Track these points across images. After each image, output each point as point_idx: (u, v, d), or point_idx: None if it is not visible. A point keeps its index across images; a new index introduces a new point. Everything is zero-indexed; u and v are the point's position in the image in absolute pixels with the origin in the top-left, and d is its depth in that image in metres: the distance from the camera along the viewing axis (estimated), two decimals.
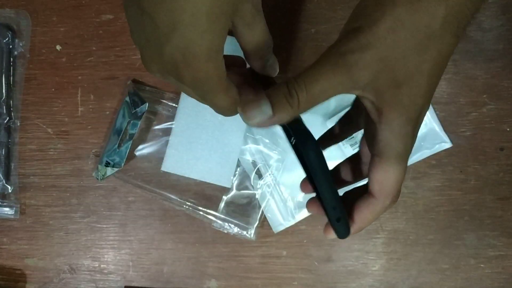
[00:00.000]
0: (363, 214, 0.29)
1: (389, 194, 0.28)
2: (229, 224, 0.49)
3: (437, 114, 0.48)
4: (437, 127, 0.48)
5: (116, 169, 0.48)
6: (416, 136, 0.27)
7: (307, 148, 0.27)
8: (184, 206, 0.49)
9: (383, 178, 0.27)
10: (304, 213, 0.49)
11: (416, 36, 0.24)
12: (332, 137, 0.36)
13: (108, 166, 0.48)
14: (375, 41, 0.24)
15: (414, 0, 0.24)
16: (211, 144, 0.47)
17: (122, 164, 0.48)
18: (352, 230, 0.30)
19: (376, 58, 0.24)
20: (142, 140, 0.49)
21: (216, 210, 0.49)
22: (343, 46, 0.25)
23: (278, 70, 0.31)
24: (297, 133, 0.27)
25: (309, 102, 0.26)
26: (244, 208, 0.49)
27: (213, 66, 0.24)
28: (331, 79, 0.25)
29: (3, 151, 0.49)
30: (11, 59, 0.49)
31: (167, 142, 0.48)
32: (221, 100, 0.27)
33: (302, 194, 0.48)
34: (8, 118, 0.49)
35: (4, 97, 0.48)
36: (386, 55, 0.24)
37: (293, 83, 0.25)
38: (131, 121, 0.48)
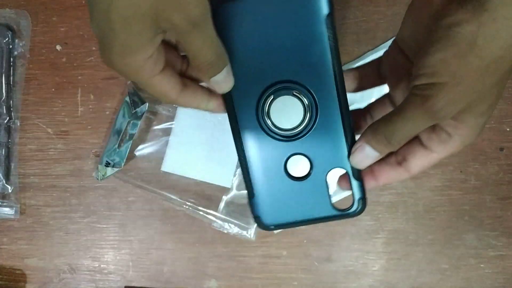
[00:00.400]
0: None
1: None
2: (229, 224, 0.49)
3: None
4: None
5: (116, 169, 0.48)
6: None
7: None
8: (184, 206, 0.49)
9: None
10: None
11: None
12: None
13: (108, 166, 0.48)
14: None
15: None
16: (211, 144, 0.47)
17: (122, 164, 0.48)
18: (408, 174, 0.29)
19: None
20: (142, 140, 0.49)
21: (216, 210, 0.49)
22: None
23: (228, 89, 0.29)
24: None
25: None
26: (244, 208, 0.49)
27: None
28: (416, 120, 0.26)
29: (3, 151, 0.49)
30: (11, 59, 0.49)
31: (167, 142, 0.48)
32: (210, 34, 0.26)
33: None
34: (8, 118, 0.49)
35: (4, 97, 0.48)
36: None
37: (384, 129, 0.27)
38: (131, 121, 0.48)
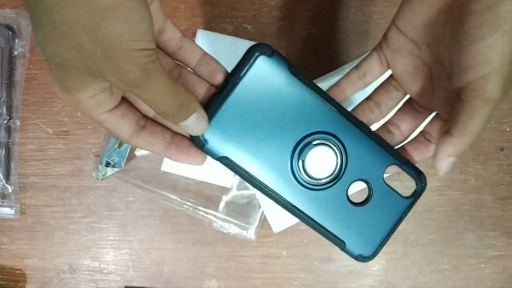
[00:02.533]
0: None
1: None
2: (229, 224, 0.49)
3: None
4: None
5: (116, 169, 0.48)
6: None
7: None
8: (184, 206, 0.49)
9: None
10: None
11: None
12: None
13: (108, 166, 0.48)
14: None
15: None
16: None
17: (122, 164, 0.48)
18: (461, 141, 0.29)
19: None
20: None
21: (216, 210, 0.49)
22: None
23: (200, 132, 0.28)
24: None
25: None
26: (244, 208, 0.49)
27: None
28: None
29: (3, 151, 0.49)
30: (11, 59, 0.49)
31: None
32: (159, 88, 0.24)
33: None
34: (8, 118, 0.49)
35: (4, 97, 0.48)
36: None
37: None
38: None
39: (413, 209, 0.49)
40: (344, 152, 0.31)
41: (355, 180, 0.31)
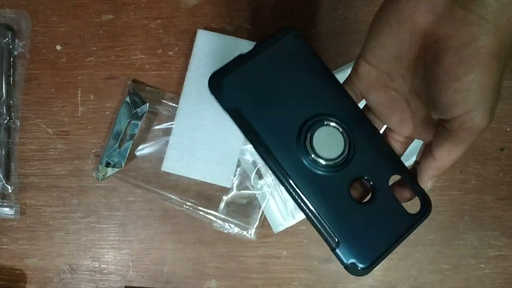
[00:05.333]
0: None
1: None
2: (229, 224, 0.49)
3: None
4: None
5: (116, 169, 0.48)
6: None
7: None
8: (184, 206, 0.49)
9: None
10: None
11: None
12: None
13: (108, 166, 0.48)
14: None
15: None
16: (211, 144, 0.47)
17: (123, 164, 0.48)
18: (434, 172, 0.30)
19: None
20: (142, 140, 0.49)
21: (216, 210, 0.49)
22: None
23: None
24: None
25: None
26: (244, 208, 0.49)
27: None
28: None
29: (3, 151, 0.49)
30: (11, 59, 0.49)
31: (167, 142, 0.48)
32: None
33: None
34: (8, 118, 0.49)
35: (4, 97, 0.48)
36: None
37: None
38: (132, 121, 0.48)
39: (413, 209, 0.49)
40: (353, 143, 0.30)
41: (360, 177, 0.30)
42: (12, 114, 0.49)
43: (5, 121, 0.49)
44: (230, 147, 0.47)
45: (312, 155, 0.29)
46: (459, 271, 0.49)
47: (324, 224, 0.29)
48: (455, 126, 0.27)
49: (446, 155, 0.28)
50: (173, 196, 0.49)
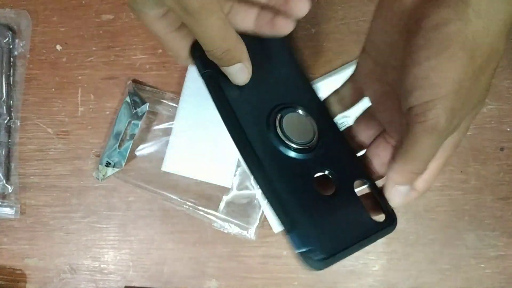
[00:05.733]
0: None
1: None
2: (229, 224, 0.49)
3: None
4: None
5: (116, 169, 0.48)
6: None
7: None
8: (185, 206, 0.49)
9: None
10: None
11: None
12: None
13: (108, 166, 0.48)
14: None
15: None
16: (211, 144, 0.47)
17: (123, 164, 0.48)
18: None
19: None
20: (142, 140, 0.49)
21: (216, 210, 0.49)
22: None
23: (241, 83, 0.28)
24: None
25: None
26: (244, 208, 0.49)
27: None
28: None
29: (3, 151, 0.49)
30: (11, 59, 0.49)
31: (167, 142, 0.48)
32: (210, 25, 0.24)
33: None
34: (8, 118, 0.49)
35: (4, 97, 0.48)
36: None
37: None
38: (132, 121, 0.48)
39: (413, 209, 0.49)
40: (321, 136, 0.29)
41: (324, 169, 0.28)
42: (12, 114, 0.49)
43: (5, 121, 0.49)
44: (230, 147, 0.47)
45: (281, 136, 0.28)
46: (459, 271, 0.49)
47: (283, 204, 0.26)
48: (411, 120, 0.24)
49: (405, 156, 0.25)
50: (173, 196, 0.49)
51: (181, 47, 0.28)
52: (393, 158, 0.27)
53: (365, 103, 0.32)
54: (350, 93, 0.31)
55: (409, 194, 0.28)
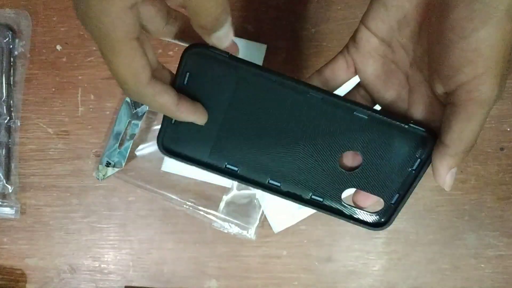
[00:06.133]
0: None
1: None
2: (230, 224, 0.49)
3: None
4: None
5: (116, 169, 0.48)
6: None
7: None
8: (185, 206, 0.49)
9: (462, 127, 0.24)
10: (304, 213, 0.49)
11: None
12: None
13: (108, 166, 0.48)
14: None
15: None
16: None
17: (123, 164, 0.48)
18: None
19: None
20: (142, 140, 0.49)
21: (216, 210, 0.49)
22: None
23: (228, 44, 0.26)
24: None
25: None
26: (244, 208, 0.49)
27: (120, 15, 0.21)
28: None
29: (3, 151, 0.49)
30: (12, 59, 0.49)
31: None
32: (125, 67, 0.22)
33: None
34: (8, 118, 0.49)
35: (4, 97, 0.48)
36: None
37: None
38: (132, 121, 0.48)
39: (413, 209, 0.49)
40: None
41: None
42: (12, 114, 0.49)
43: (5, 121, 0.49)
44: None
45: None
46: (459, 271, 0.49)
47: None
48: (462, 97, 0.23)
49: (458, 137, 0.24)
50: (173, 196, 0.49)
51: (139, 57, 0.23)
52: (443, 142, 0.25)
53: (353, 81, 0.31)
54: (340, 73, 0.30)
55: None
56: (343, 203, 0.30)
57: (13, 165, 0.49)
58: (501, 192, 0.49)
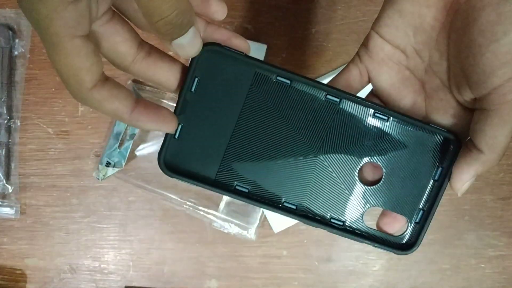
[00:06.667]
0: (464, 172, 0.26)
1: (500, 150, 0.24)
2: (230, 224, 0.49)
3: None
4: None
5: (117, 169, 0.48)
6: None
7: None
8: (185, 206, 0.49)
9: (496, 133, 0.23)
10: None
11: None
12: None
13: (108, 166, 0.48)
14: None
15: None
16: None
17: (123, 164, 0.48)
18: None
19: None
20: (142, 140, 0.49)
21: (216, 210, 0.49)
22: None
23: (195, 53, 0.24)
24: None
25: None
26: (245, 208, 0.49)
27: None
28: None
29: (4, 151, 0.49)
30: (11, 59, 0.49)
31: None
32: (66, 66, 0.20)
33: None
34: (8, 118, 0.49)
35: (4, 97, 0.48)
36: None
37: None
38: None
39: None
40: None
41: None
42: (13, 114, 0.49)
43: (5, 121, 0.49)
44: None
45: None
46: (459, 271, 0.49)
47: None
48: (495, 101, 0.23)
49: (492, 142, 0.24)
50: (173, 196, 0.49)
51: (87, 66, 0.21)
52: (475, 148, 0.25)
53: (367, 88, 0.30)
54: (353, 83, 0.29)
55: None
56: (365, 224, 0.28)
57: (13, 165, 0.49)
58: (502, 192, 0.49)
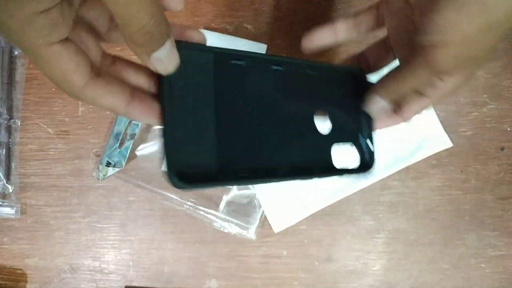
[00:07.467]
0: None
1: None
2: (230, 224, 0.49)
3: (437, 114, 0.48)
4: (437, 127, 0.48)
5: (117, 169, 0.48)
6: None
7: None
8: (185, 206, 0.49)
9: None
10: (304, 213, 0.49)
11: None
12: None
13: (109, 166, 0.48)
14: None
15: None
16: None
17: (123, 164, 0.48)
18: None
19: None
20: (142, 140, 0.49)
21: (216, 210, 0.49)
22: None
23: (173, 68, 0.23)
24: None
25: None
26: (245, 208, 0.49)
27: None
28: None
29: (4, 151, 0.49)
30: (11, 59, 0.49)
31: None
32: (52, 71, 0.21)
33: (302, 194, 0.48)
34: (8, 118, 0.49)
35: (4, 97, 0.48)
36: None
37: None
38: (132, 121, 0.48)
39: (413, 209, 0.49)
40: None
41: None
42: (13, 114, 0.49)
43: (6, 121, 0.49)
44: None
45: None
46: (459, 271, 0.49)
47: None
48: (415, 50, 0.27)
49: (392, 74, 0.29)
50: (173, 196, 0.49)
51: (73, 67, 0.21)
52: (388, 74, 0.30)
53: (389, 67, 0.34)
54: (370, 21, 0.33)
55: (395, 120, 0.33)
56: (333, 163, 0.32)
57: (13, 165, 0.49)
58: (502, 192, 0.49)
